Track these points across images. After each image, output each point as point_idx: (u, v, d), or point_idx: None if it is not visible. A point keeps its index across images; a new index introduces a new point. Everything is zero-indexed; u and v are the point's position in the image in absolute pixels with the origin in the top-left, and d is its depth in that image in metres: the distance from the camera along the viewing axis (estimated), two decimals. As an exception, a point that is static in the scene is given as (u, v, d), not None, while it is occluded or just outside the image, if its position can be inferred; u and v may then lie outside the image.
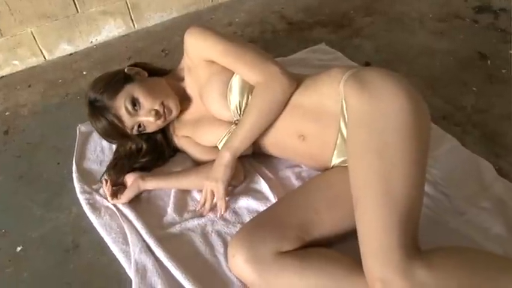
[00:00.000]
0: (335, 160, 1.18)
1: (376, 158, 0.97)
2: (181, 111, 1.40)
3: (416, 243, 0.94)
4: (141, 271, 1.13)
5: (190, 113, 1.42)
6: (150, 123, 1.31)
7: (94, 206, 1.33)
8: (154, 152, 1.43)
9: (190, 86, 1.39)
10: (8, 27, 2.05)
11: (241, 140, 1.22)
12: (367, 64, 1.86)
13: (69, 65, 2.17)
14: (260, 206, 1.26)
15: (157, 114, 1.29)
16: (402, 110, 1.00)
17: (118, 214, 1.29)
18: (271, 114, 1.21)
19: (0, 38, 2.06)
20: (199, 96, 1.35)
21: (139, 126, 1.31)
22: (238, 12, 2.43)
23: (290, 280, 0.98)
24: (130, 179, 1.35)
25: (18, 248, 1.29)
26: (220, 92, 1.26)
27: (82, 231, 1.31)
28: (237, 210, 1.28)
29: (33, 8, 2.06)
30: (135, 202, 1.33)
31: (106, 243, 1.24)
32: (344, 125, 1.11)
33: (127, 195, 1.31)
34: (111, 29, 2.31)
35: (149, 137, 1.41)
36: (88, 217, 1.32)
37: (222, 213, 1.25)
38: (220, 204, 1.25)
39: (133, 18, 2.34)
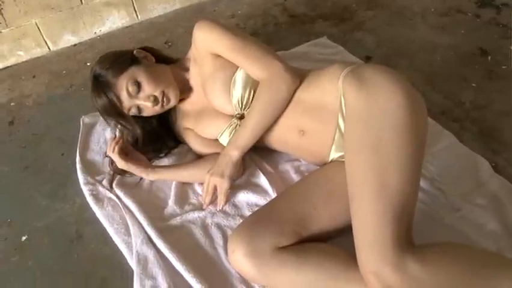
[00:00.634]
0: (333, 155, 1.20)
1: (372, 154, 0.99)
2: (184, 101, 1.42)
3: (410, 238, 0.96)
4: (143, 262, 1.16)
5: (192, 104, 1.43)
6: (147, 107, 1.32)
7: (97, 197, 1.36)
8: (155, 141, 1.45)
9: (194, 77, 1.41)
10: (12, 18, 2.08)
11: (248, 138, 1.24)
12: (368, 58, 1.87)
13: (73, 56, 2.20)
14: (259, 200, 1.28)
15: (155, 101, 1.30)
16: (399, 107, 1.02)
17: (120, 205, 1.32)
18: (276, 112, 1.23)
19: (5, 29, 2.09)
20: (202, 88, 1.37)
21: (137, 108, 1.32)
22: (240, 4, 2.43)
23: (288, 275, 1.01)
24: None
25: (24, 238, 1.33)
26: (224, 85, 1.28)
27: (85, 221, 1.34)
28: (236, 204, 1.30)
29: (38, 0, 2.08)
30: (137, 194, 1.36)
31: (109, 234, 1.27)
32: (342, 121, 1.13)
33: (128, 164, 1.32)
34: (115, 20, 2.33)
35: (145, 124, 1.42)
36: (91, 208, 1.35)
37: (222, 207, 1.28)
38: (221, 199, 1.27)
39: (136, 9, 2.35)
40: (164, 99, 1.32)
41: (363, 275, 0.94)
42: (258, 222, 1.08)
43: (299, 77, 1.24)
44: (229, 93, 1.27)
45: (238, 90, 1.26)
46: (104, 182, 1.41)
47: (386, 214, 0.94)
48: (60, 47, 2.26)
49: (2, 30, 2.09)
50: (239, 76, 1.26)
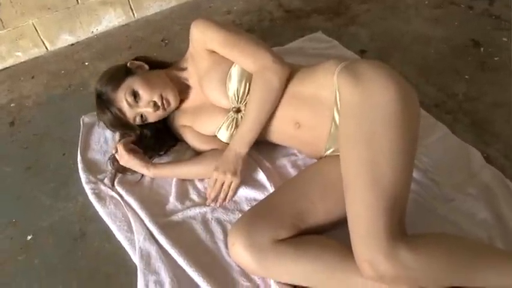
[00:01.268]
0: (329, 148, 1.24)
1: (365, 148, 1.03)
2: (182, 100, 1.45)
3: (403, 228, 1.00)
4: (145, 258, 1.19)
5: (190, 101, 1.46)
6: (150, 113, 1.37)
7: (99, 196, 1.39)
8: (156, 140, 1.48)
9: (191, 75, 1.44)
10: (9, 19, 2.09)
11: (251, 132, 1.28)
12: (363, 52, 1.89)
13: (71, 56, 2.21)
14: (258, 195, 1.31)
15: (156, 106, 1.35)
16: (392, 102, 1.05)
17: (122, 203, 1.35)
18: (271, 102, 1.26)
19: (3, 30, 2.10)
20: (199, 84, 1.40)
21: (141, 117, 1.37)
22: (236, 0, 2.45)
23: (287, 267, 1.04)
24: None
25: (29, 237, 1.36)
26: (220, 79, 1.31)
27: (88, 220, 1.37)
28: (235, 199, 1.33)
29: (34, 0, 2.10)
30: (138, 191, 1.38)
31: (112, 232, 1.30)
32: (338, 114, 1.16)
33: (132, 161, 1.37)
34: (111, 19, 2.34)
35: (148, 124, 1.45)
36: (94, 206, 1.37)
37: (225, 202, 1.32)
38: (231, 195, 1.32)
39: (132, 7, 2.37)
40: (164, 102, 1.36)
41: (358, 264, 0.98)
42: (257, 216, 1.11)
43: (292, 69, 1.28)
44: (225, 87, 1.31)
45: (234, 84, 1.30)
46: (106, 181, 1.44)
47: (379, 205, 0.97)
48: (58, 47, 2.28)
49: (0, 32, 2.11)
50: (234, 71, 1.30)
